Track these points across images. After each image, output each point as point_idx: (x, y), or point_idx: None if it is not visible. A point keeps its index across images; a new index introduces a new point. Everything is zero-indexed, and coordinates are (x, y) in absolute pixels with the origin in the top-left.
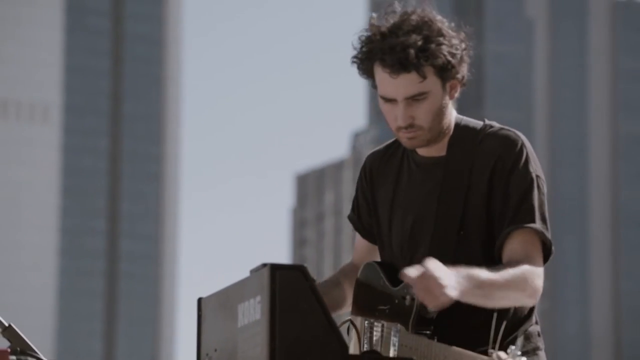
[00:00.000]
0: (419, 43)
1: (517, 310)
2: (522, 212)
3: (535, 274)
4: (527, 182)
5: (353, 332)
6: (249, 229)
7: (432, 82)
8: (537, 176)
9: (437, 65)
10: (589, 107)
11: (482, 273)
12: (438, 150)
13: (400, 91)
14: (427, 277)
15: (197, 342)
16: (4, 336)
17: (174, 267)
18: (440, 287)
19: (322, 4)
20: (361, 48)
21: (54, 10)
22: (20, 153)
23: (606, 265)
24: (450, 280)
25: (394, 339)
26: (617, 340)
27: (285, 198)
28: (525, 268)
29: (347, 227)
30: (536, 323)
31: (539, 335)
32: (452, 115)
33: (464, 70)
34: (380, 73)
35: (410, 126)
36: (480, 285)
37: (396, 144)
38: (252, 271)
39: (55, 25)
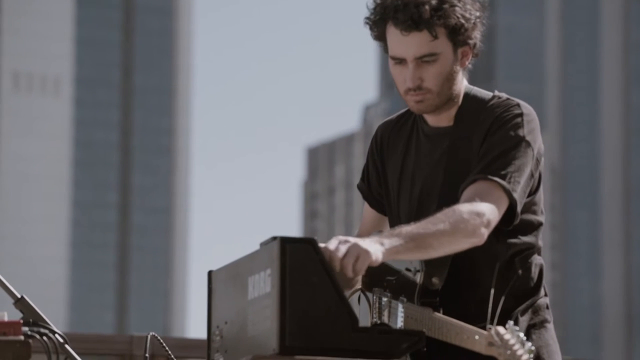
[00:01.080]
0: (433, 2)
1: (524, 282)
2: (494, 166)
3: (474, 212)
4: (511, 141)
5: (364, 301)
6: (259, 201)
7: (444, 44)
8: (527, 142)
9: (449, 26)
10: (600, 79)
11: (411, 226)
12: (446, 120)
13: (410, 50)
14: (348, 245)
15: (207, 315)
16: (17, 308)
17: (185, 239)
18: (363, 251)
19: None
20: (375, 8)
21: None
22: (31, 125)
23: (617, 238)
24: (370, 244)
25: (400, 311)
26: (628, 312)
27: (296, 171)
28: (462, 209)
29: (358, 200)
30: (545, 295)
31: (547, 307)
32: (463, 85)
33: (476, 37)
34: (392, 32)
35: (418, 88)
36: (411, 238)
37: (407, 113)
38: (262, 244)
39: None
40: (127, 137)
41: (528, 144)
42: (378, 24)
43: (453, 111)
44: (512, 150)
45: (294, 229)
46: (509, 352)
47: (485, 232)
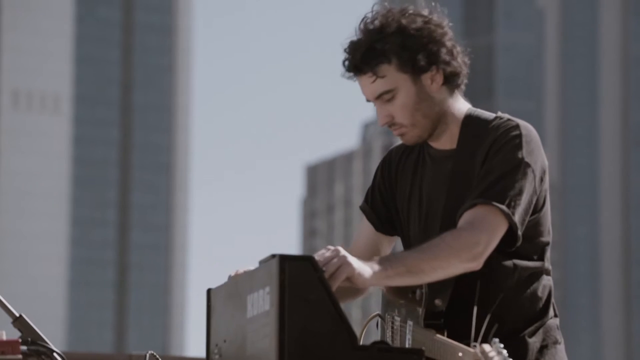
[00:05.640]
0: (369, 42)
1: (533, 303)
2: (494, 191)
3: (470, 238)
4: (510, 164)
5: (382, 326)
6: (259, 219)
7: (396, 78)
8: (527, 164)
9: (393, 62)
10: (599, 95)
11: (404, 252)
12: (449, 142)
13: (366, 92)
14: (336, 253)
15: (206, 333)
16: (15, 326)
17: (184, 257)
18: (347, 263)
19: None
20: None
21: (64, 0)
22: (30, 143)
23: (617, 255)
24: (360, 263)
25: (408, 335)
26: (628, 330)
27: (295, 189)
28: (458, 234)
29: (358, 218)
30: (555, 316)
31: (557, 328)
32: (452, 105)
33: (440, 59)
34: None
35: (392, 124)
36: (402, 262)
37: None
38: (261, 262)
39: (66, 15)
40: (126, 154)
41: (527, 165)
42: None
43: (454, 133)
44: (511, 172)
45: (293, 247)
46: None
47: (481, 258)
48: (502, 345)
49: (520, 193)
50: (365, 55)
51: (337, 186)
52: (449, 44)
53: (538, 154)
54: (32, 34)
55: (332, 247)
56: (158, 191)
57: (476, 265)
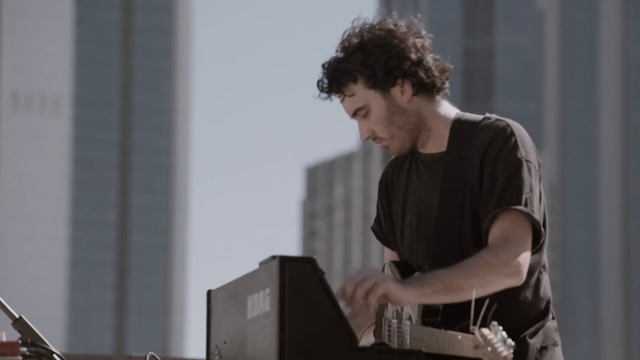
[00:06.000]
0: (334, 64)
1: (534, 303)
2: (508, 195)
3: (509, 254)
4: (513, 165)
5: (378, 330)
6: (258, 220)
7: (365, 95)
8: (527, 160)
9: (359, 81)
10: (599, 98)
11: (441, 270)
12: (437, 146)
13: (345, 109)
14: (371, 271)
15: (206, 335)
16: (15, 328)
17: (184, 259)
18: (382, 280)
19: None
20: None
21: (64, 1)
22: (30, 145)
23: (617, 256)
24: (396, 282)
25: (406, 335)
26: (628, 331)
27: (295, 190)
28: (495, 252)
29: (357, 219)
30: (553, 318)
31: (555, 330)
32: (433, 112)
33: (401, 74)
34: None
35: (374, 138)
36: (441, 280)
37: None
38: (261, 263)
39: (66, 17)
40: (126, 156)
41: (529, 163)
42: None
43: (441, 137)
44: (516, 173)
45: (293, 248)
46: (489, 349)
47: (523, 273)
48: (501, 328)
49: (531, 190)
50: (332, 76)
51: (337, 187)
52: (414, 56)
53: (532, 151)
54: (32, 36)
55: (367, 267)
56: (158, 193)
57: (518, 280)
